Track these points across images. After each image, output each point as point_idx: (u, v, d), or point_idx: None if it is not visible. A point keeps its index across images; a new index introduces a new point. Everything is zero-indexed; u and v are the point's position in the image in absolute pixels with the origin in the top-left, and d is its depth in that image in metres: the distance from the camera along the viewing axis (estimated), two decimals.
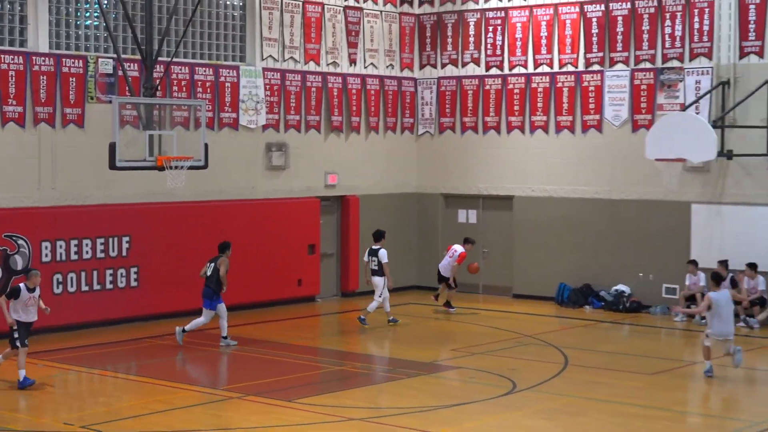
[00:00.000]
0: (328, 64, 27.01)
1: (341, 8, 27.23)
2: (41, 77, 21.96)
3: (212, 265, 20.60)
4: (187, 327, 20.77)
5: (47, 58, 22.05)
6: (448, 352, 20.49)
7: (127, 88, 21.72)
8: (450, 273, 25.40)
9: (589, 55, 26.40)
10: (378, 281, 23.37)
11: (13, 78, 21.60)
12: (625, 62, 25.88)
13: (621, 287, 25.69)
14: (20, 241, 21.45)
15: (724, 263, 23.78)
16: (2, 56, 21.46)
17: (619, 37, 25.95)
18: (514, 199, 27.72)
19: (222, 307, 20.70)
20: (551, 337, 22.10)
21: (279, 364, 19.41)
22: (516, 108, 27.55)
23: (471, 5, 28.21)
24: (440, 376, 18.57)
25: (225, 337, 20.74)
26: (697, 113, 24.20)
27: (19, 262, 21.39)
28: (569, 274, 26.50)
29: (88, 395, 17.15)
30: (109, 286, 22.65)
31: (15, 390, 17.15)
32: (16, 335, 17.11)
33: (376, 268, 23.35)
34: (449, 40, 28.66)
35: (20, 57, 21.70)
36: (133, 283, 23.05)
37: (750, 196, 24.24)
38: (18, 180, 21.80)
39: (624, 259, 25.75)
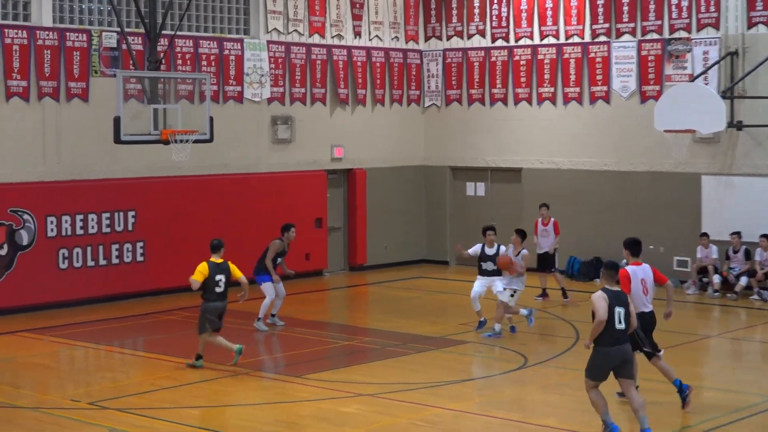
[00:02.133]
0: (332, 37, 26.69)
1: None
2: (45, 51, 21.67)
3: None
4: (260, 314, 19.90)
5: (51, 33, 21.77)
6: (457, 327, 20.24)
7: (131, 62, 21.49)
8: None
9: (595, 26, 26.03)
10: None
11: (17, 52, 21.32)
12: (632, 33, 25.52)
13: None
14: (25, 216, 21.22)
15: (737, 234, 23.51)
16: (6, 31, 21.18)
17: (625, 8, 25.57)
18: (523, 172, 27.44)
19: (267, 287, 19.81)
20: (562, 311, 21.85)
21: (287, 339, 19.21)
22: (523, 80, 27.23)
23: None
24: (450, 351, 18.35)
25: (258, 319, 20.02)
26: (706, 84, 23.85)
27: (24, 237, 21.18)
28: (579, 247, 26.23)
29: (94, 371, 16.94)
30: (114, 260, 22.45)
31: (19, 366, 16.94)
32: None
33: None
34: (454, 12, 28.30)
35: (24, 31, 21.42)
36: (139, 258, 22.84)
37: (760, 167, 23.92)
38: (23, 155, 21.56)
39: (634, 231, 25.32)
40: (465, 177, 28.66)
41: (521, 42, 27.19)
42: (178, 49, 23.59)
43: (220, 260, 16.82)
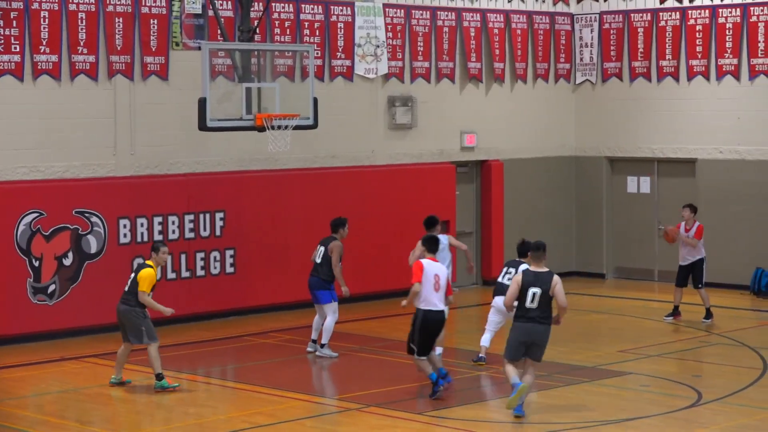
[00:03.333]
0: None
1: None
2: (116, 19, 22.20)
3: (323, 248, 20.18)
4: (323, 340, 20.02)
5: None
6: (616, 354, 20.24)
7: (219, 32, 21.83)
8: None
9: None
10: None
11: (84, 21, 21.86)
12: None
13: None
14: (94, 219, 21.76)
15: None
16: None
17: None
18: (698, 163, 27.32)
19: (333, 306, 20.09)
20: (745, 336, 21.71)
21: (403, 368, 19.33)
22: (699, 49, 27.12)
23: None
24: (605, 384, 18.34)
25: (322, 345, 20.13)
26: None
27: (93, 244, 21.70)
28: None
29: (175, 405, 17.32)
30: (200, 272, 22.88)
31: (86, 399, 17.43)
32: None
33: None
34: None
35: None
36: (229, 269, 23.24)
37: None
38: (90, 145, 22.10)
39: None
40: (626, 170, 28.60)
41: (697, 2, 27.07)
42: (275, 16, 23.98)
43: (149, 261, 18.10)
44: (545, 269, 16.29)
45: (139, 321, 17.67)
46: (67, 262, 21.50)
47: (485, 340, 19.60)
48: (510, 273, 18.70)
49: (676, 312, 23.30)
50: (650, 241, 28.12)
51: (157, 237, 22.15)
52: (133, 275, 17.78)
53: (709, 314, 23.02)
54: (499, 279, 19.17)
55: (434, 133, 26.57)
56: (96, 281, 21.66)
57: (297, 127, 20.81)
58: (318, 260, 20.11)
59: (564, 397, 17.64)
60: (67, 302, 21.49)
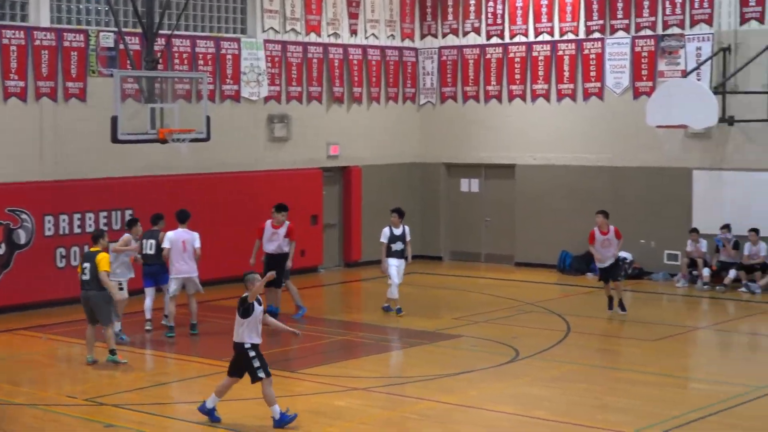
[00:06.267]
0: (329, 35, 26.76)
1: None
2: (43, 52, 21.74)
3: (153, 241, 19.15)
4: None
5: (48, 33, 21.83)
6: (450, 321, 20.35)
7: (128, 62, 21.54)
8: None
9: (589, 23, 26.12)
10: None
11: (15, 53, 21.39)
12: (626, 29, 25.60)
13: (623, 254, 25.44)
14: (23, 215, 21.30)
15: (727, 227, 23.66)
16: (4, 31, 21.25)
17: (620, 4, 25.65)
18: (516, 168, 27.52)
19: (168, 287, 19.02)
20: (553, 305, 21.96)
21: (281, 335, 19.23)
22: (517, 77, 27.30)
23: None
24: (443, 345, 18.44)
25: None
26: (699, 80, 23.93)
27: (22, 237, 21.26)
28: (571, 242, 26.30)
29: (91, 368, 16.98)
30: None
31: (17, 364, 17.05)
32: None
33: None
34: (450, 9, 28.37)
35: (22, 32, 21.48)
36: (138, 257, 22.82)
37: (751, 162, 24.02)
38: (21, 154, 21.61)
39: (626, 226, 25.42)
40: (459, 173, 28.73)
41: (516, 39, 27.25)
42: (175, 49, 23.66)
43: (95, 248, 16.87)
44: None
45: (108, 303, 16.68)
46: (0, 252, 21.02)
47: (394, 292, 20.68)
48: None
49: (612, 303, 20.91)
50: (478, 230, 28.30)
51: (76, 231, 21.79)
52: (87, 264, 16.63)
53: (622, 306, 20.66)
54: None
55: (305, 145, 26.44)
56: (24, 268, 21.29)
57: (193, 140, 20.65)
58: (152, 251, 19.20)
59: (410, 357, 17.68)
60: (0, 285, 21.08)
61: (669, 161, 24.92)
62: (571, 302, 22.47)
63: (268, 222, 20.48)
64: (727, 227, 23.68)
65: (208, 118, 20.92)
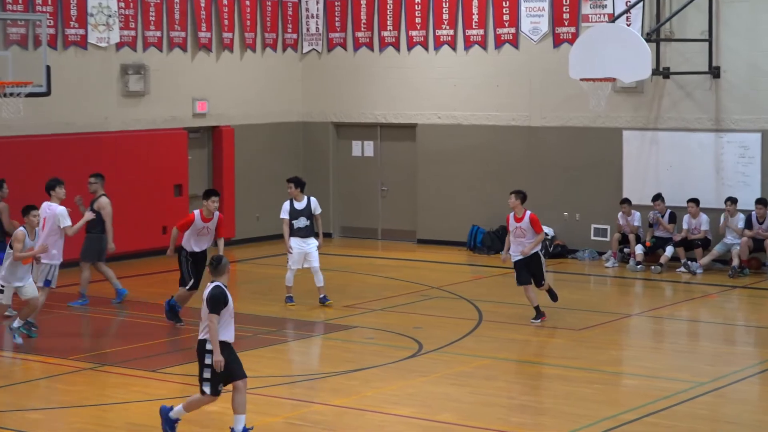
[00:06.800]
0: None
1: None
2: None
3: None
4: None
5: None
6: (341, 309, 20.34)
7: None
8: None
9: None
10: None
11: None
12: None
13: (544, 228, 25.68)
14: None
15: (659, 197, 23.96)
16: None
17: None
18: (417, 128, 27.59)
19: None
20: (462, 289, 22.07)
21: (140, 328, 19.12)
22: (418, 21, 27.34)
23: None
24: (332, 338, 18.46)
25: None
26: (629, 25, 24.19)
27: None
28: (483, 215, 26.48)
29: None
30: None
31: None
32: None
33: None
34: None
35: None
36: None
37: (689, 121, 24.38)
38: None
39: (546, 196, 25.77)
40: (351, 135, 28.72)
41: None
42: None
43: None
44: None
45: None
46: None
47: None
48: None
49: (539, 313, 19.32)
50: (374, 202, 28.35)
51: None
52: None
53: (538, 313, 19.15)
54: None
55: (167, 101, 26.21)
56: None
57: (30, 95, 20.46)
58: None
59: (295, 352, 17.64)
60: None
61: (595, 120, 25.18)
62: (483, 286, 22.61)
63: (197, 213, 18.89)
64: (659, 197, 24.00)
65: (48, 69, 20.72)
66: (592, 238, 25.49)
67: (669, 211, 23.99)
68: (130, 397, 14.82)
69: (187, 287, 18.98)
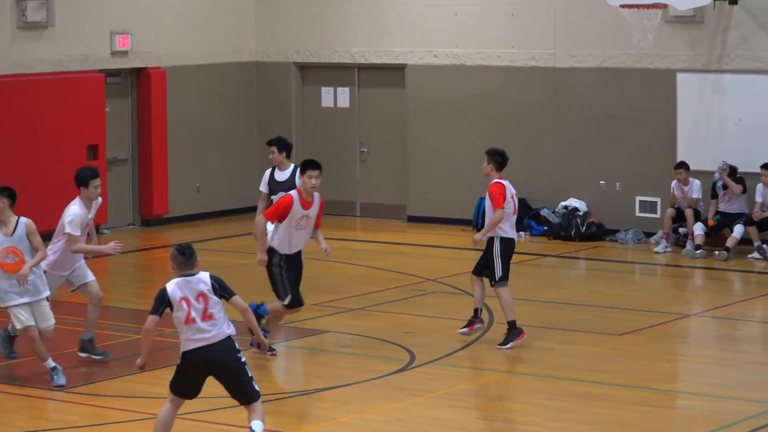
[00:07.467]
0: None
1: None
2: None
3: None
4: None
5: None
6: (311, 309, 20.29)
7: None
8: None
9: None
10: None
11: None
12: None
13: (573, 202, 25.77)
14: None
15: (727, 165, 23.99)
16: None
17: None
18: (407, 70, 27.67)
19: None
20: (466, 282, 21.99)
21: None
22: None
23: None
24: (297, 346, 18.58)
25: None
26: None
27: None
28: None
29: None
30: None
31: None
32: None
33: None
34: None
35: None
36: None
37: (764, 60, 24.42)
38: None
39: (576, 160, 25.82)
40: (320, 79, 28.79)
41: None
42: None
43: None
44: None
45: None
46: None
47: None
48: None
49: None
50: (351, 168, 28.34)
51: None
52: None
53: (471, 320, 18.54)
54: None
55: (77, 34, 26.28)
56: None
57: None
58: None
59: (250, 364, 17.56)
60: None
61: (640, 60, 25.26)
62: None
63: (295, 195, 17.30)
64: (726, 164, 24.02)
65: None
66: (638, 214, 25.55)
67: (740, 177, 23.91)
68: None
69: (285, 302, 17.52)
